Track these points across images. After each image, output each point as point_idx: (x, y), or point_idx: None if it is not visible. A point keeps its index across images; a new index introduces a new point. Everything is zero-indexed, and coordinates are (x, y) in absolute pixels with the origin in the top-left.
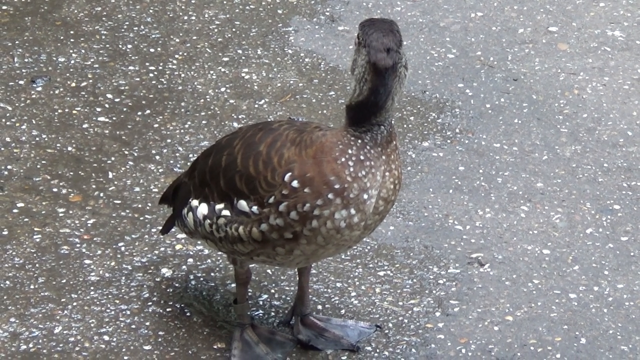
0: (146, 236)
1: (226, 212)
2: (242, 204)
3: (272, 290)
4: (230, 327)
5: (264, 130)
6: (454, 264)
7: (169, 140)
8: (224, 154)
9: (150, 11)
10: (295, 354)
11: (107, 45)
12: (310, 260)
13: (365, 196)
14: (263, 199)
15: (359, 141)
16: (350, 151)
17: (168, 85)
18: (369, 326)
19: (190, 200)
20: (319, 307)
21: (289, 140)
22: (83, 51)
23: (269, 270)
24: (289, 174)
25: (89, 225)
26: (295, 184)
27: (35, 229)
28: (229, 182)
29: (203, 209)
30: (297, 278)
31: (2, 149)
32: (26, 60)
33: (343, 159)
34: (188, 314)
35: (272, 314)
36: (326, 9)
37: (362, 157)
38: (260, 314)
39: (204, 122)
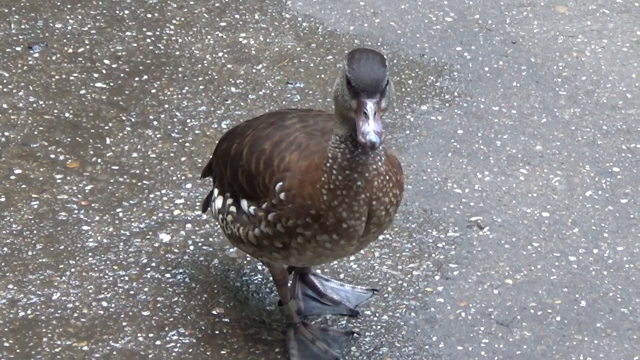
0: (144, 202)
1: (233, 209)
2: (243, 203)
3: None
4: (283, 327)
5: (275, 125)
6: (453, 227)
7: (166, 106)
8: (235, 143)
9: None
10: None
11: (104, 11)
12: (313, 264)
13: (345, 225)
14: (259, 202)
15: (335, 165)
16: (323, 178)
17: (165, 51)
18: (367, 290)
19: (213, 188)
20: (318, 271)
21: (296, 143)
22: (80, 17)
23: None
24: (280, 184)
25: (87, 191)
26: (282, 196)
27: (33, 195)
28: (233, 175)
29: (219, 202)
30: None
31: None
32: (23, 26)
33: (318, 185)
34: (187, 279)
35: (271, 278)
36: None
37: (332, 186)
38: (259, 278)
39: (201, 87)
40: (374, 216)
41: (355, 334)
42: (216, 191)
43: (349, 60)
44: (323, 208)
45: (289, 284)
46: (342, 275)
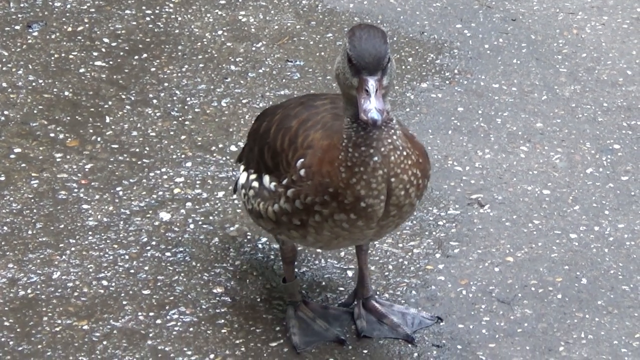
0: (144, 180)
1: (256, 184)
2: (266, 178)
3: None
4: (284, 306)
5: (304, 105)
6: (454, 205)
7: (166, 84)
8: (265, 121)
9: None
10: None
11: None
12: (330, 248)
13: (363, 204)
14: (279, 178)
15: (350, 143)
16: (340, 156)
17: (165, 29)
18: (431, 317)
19: (240, 164)
20: (319, 250)
21: (322, 122)
22: None
23: None
24: (301, 160)
25: (87, 170)
26: (302, 172)
27: (33, 174)
28: (260, 151)
29: (243, 177)
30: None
31: None
32: (22, 5)
33: (336, 164)
34: (187, 258)
35: (272, 256)
36: None
37: (349, 164)
38: (260, 257)
39: (201, 65)
40: (393, 195)
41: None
42: (242, 167)
43: (349, 37)
44: (341, 186)
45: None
46: (342, 254)
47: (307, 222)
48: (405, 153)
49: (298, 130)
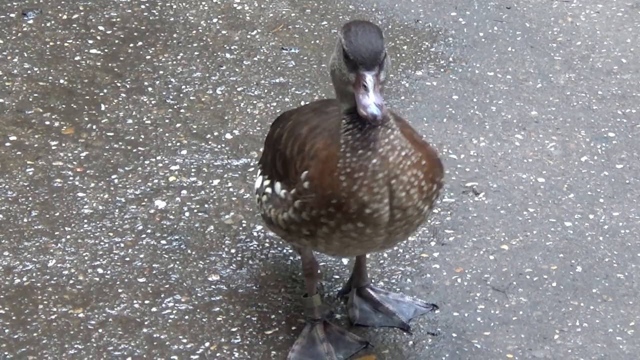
0: (139, 168)
1: (269, 190)
2: (277, 186)
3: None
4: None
5: (316, 111)
6: (449, 193)
7: (161, 72)
8: (279, 127)
9: None
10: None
11: None
12: (343, 255)
13: (368, 210)
14: (289, 186)
15: (348, 148)
16: (339, 164)
17: (160, 17)
18: (426, 305)
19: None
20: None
21: (329, 128)
22: None
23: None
24: (306, 172)
25: (82, 157)
26: (306, 185)
27: (28, 162)
28: (273, 158)
29: (258, 181)
30: None
31: None
32: None
33: (335, 174)
34: (182, 246)
35: (267, 244)
36: None
37: (348, 170)
38: (255, 245)
39: (196, 53)
40: (395, 197)
41: (369, 345)
42: (259, 171)
43: (345, 33)
44: (344, 196)
45: (318, 278)
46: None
47: (316, 233)
48: (404, 153)
49: (307, 137)
